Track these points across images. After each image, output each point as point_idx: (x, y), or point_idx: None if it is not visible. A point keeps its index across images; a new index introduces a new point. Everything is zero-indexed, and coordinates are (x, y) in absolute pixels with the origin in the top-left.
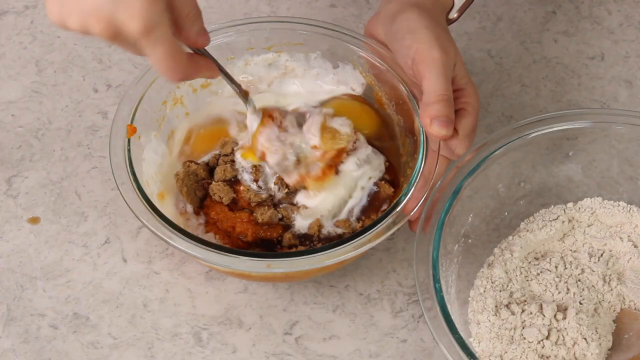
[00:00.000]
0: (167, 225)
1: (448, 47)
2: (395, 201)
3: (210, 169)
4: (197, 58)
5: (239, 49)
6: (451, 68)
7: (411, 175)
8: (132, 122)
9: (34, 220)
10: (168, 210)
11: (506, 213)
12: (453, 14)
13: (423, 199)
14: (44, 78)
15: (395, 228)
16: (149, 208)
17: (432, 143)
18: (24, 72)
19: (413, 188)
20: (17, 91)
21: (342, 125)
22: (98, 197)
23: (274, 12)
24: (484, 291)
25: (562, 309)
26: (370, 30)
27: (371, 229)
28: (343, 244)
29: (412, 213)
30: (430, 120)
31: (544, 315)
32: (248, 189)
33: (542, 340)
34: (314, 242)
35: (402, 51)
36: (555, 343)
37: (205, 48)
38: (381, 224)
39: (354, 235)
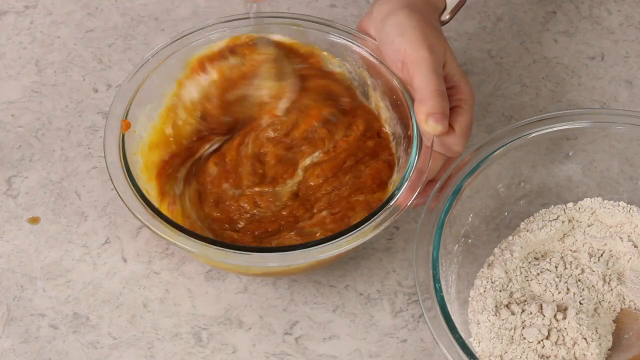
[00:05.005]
0: (164, 222)
1: (436, 45)
2: (389, 195)
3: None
4: None
5: None
6: (440, 65)
7: (405, 169)
8: (126, 117)
9: (34, 220)
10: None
11: (506, 213)
12: (445, 16)
13: (417, 191)
14: (44, 78)
15: (390, 221)
16: (147, 206)
17: (425, 139)
18: (24, 72)
19: (407, 182)
20: (17, 91)
21: None
22: (98, 197)
23: (273, 12)
24: (484, 291)
25: (562, 309)
26: (363, 29)
27: (365, 222)
28: (338, 237)
29: (407, 205)
30: (425, 117)
31: (544, 315)
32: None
33: (542, 340)
34: None
35: (392, 55)
36: (555, 343)
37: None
38: (375, 217)
39: (349, 228)
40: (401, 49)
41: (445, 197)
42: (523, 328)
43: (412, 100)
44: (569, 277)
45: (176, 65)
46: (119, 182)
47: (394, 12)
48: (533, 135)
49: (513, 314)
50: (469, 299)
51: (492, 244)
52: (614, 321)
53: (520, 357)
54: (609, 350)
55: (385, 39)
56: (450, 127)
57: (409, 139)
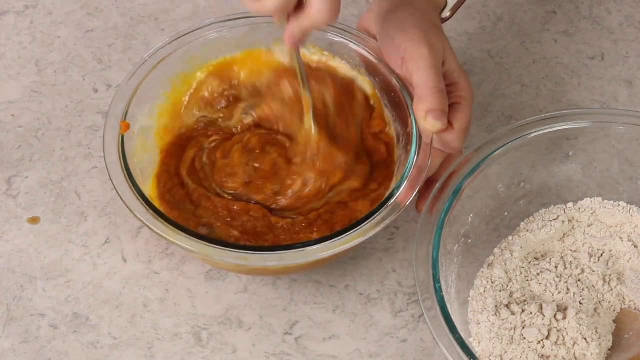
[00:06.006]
0: (164, 221)
1: (435, 42)
2: (389, 193)
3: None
4: None
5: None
6: (440, 62)
7: (404, 167)
8: (125, 118)
9: (34, 220)
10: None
11: (506, 213)
12: (446, 13)
13: (417, 188)
14: (44, 78)
15: (390, 219)
16: (147, 207)
17: (425, 137)
18: (24, 72)
19: (407, 180)
20: (17, 91)
21: None
22: (98, 197)
23: None
24: (484, 291)
25: (562, 309)
26: (363, 26)
27: (365, 221)
28: (338, 236)
29: (407, 202)
30: (424, 114)
31: (544, 315)
32: None
33: (542, 340)
34: None
35: (393, 51)
36: (555, 343)
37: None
38: (375, 215)
39: (348, 227)
40: (401, 46)
41: (445, 197)
42: (523, 328)
43: (411, 98)
44: (569, 277)
45: (175, 64)
46: (119, 182)
47: (395, 10)
48: (533, 135)
49: (513, 314)
50: (469, 299)
51: (492, 244)
52: (614, 321)
53: (520, 357)
54: (609, 350)
55: (386, 36)
56: (450, 123)
57: (408, 137)
